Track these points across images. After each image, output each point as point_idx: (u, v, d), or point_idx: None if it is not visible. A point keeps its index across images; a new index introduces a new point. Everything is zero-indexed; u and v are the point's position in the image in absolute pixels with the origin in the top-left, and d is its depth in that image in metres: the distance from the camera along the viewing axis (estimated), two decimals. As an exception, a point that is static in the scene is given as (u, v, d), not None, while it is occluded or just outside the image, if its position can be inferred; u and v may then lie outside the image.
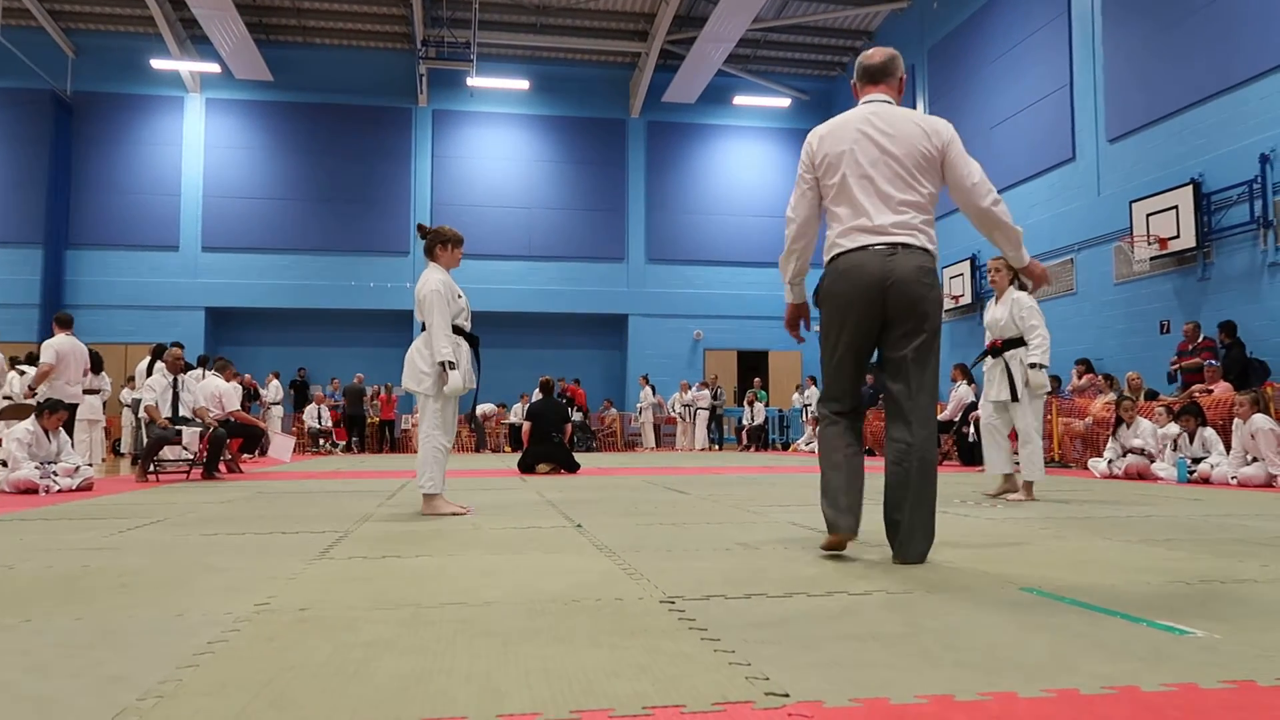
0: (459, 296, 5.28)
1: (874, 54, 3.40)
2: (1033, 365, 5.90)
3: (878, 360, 3.27)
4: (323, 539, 3.94)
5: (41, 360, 9.27)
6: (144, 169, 20.98)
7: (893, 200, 3.12)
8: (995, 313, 6.24)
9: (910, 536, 3.07)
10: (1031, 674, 1.73)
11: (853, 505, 3.13)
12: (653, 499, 6.11)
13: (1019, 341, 6.06)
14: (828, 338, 3.24)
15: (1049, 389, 6.09)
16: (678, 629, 2.13)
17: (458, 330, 5.24)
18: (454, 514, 5.01)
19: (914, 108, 18.70)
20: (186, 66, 20.33)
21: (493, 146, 22.38)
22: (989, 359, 6.33)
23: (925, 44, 18.56)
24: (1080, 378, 12.74)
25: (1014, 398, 6.07)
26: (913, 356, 3.12)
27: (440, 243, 5.41)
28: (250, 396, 15.81)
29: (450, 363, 5.04)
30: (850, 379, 3.23)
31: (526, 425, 10.74)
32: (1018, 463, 6.20)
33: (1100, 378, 12.29)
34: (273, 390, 18.16)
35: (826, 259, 3.24)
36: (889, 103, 3.33)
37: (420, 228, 5.56)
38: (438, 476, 5.08)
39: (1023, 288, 6.11)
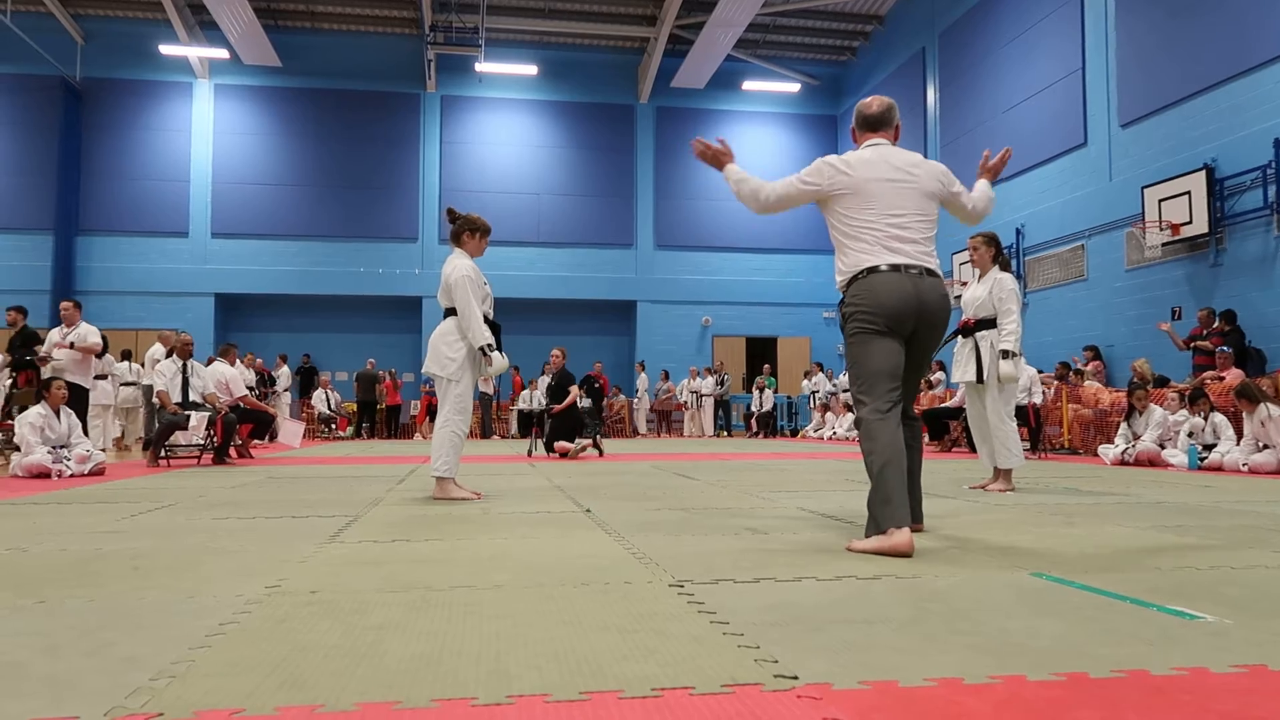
0: (484, 284, 5.28)
1: (871, 103, 3.59)
2: (1004, 353, 5.65)
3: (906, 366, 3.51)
4: (333, 523, 3.96)
5: (91, 340, 9.33)
6: (153, 155, 21.01)
7: (918, 229, 3.39)
8: (975, 291, 5.96)
9: (918, 503, 3.58)
10: (1041, 658, 1.73)
11: (911, 500, 3.33)
12: (661, 484, 6.12)
13: (992, 323, 5.82)
14: (868, 345, 3.32)
15: (1017, 378, 5.84)
16: (686, 612, 2.13)
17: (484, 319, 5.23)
18: (465, 499, 5.03)
19: (924, 93, 18.66)
20: (195, 52, 20.32)
21: (501, 132, 22.33)
22: (959, 338, 6.10)
23: (936, 28, 18.42)
24: (1088, 364, 12.71)
25: (979, 379, 5.86)
26: (918, 364, 3.49)
27: (469, 229, 5.42)
28: (264, 382, 15.87)
29: (489, 345, 5.07)
30: (896, 378, 3.33)
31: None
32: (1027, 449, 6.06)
33: (1060, 368, 12.38)
34: (283, 376, 18.23)
35: (856, 270, 3.36)
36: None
37: (450, 212, 5.55)
38: (452, 461, 5.09)
39: (1005, 268, 5.90)
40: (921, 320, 3.33)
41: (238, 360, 13.28)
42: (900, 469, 3.14)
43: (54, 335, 9.40)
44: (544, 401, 18.96)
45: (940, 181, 3.53)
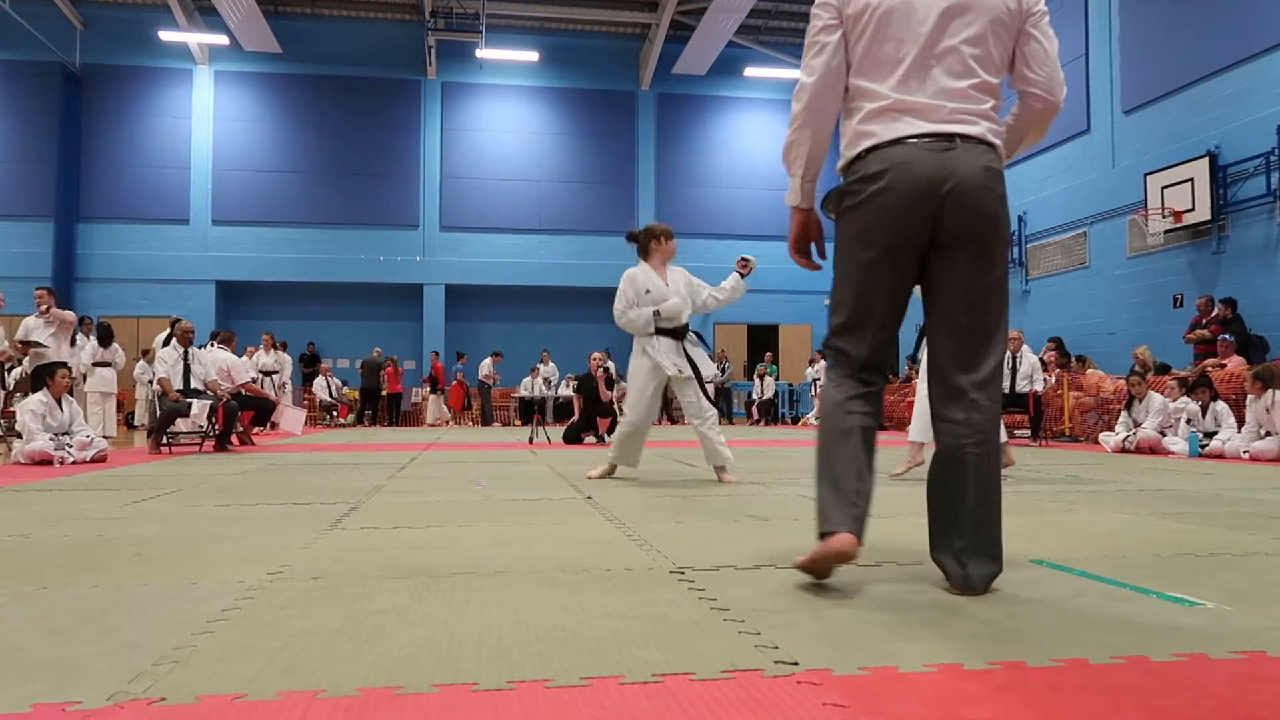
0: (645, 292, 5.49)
1: None
2: None
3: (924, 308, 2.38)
4: (335, 510, 3.97)
5: (67, 315, 9.76)
6: (153, 142, 20.97)
7: (956, 72, 2.24)
8: None
9: (976, 553, 2.18)
10: (1040, 644, 1.73)
11: (864, 494, 2.27)
12: (662, 471, 6.13)
13: None
14: (848, 266, 2.31)
15: None
16: (687, 598, 2.14)
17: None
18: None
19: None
20: (195, 38, 20.26)
21: (502, 119, 22.27)
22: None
23: (939, 14, 18.33)
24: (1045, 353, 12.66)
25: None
26: (976, 299, 2.22)
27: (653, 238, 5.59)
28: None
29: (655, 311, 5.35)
30: (879, 325, 2.32)
31: (579, 397, 11.55)
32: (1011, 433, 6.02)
33: (1070, 359, 12.35)
34: (285, 363, 18.22)
35: (849, 155, 2.32)
36: None
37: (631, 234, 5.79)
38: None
39: None
40: (948, 216, 2.18)
41: (268, 347, 13.49)
42: (845, 454, 2.27)
43: (29, 322, 9.60)
44: (545, 390, 19.08)
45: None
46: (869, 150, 2.25)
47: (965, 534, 2.18)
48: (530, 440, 11.03)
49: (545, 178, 22.28)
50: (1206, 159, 11.44)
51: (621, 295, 5.45)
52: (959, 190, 2.16)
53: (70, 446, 7.12)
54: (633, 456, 5.51)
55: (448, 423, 19.44)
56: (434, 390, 19.69)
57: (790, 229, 2.48)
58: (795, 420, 20.41)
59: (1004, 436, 5.75)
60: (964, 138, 2.20)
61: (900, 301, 2.32)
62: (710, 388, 5.49)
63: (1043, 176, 15.03)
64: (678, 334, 5.44)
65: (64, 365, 7.88)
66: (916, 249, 2.24)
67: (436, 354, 20.27)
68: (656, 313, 5.34)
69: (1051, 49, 2.33)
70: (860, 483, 2.25)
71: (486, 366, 19.86)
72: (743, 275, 5.58)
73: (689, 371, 5.35)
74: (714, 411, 5.38)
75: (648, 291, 5.41)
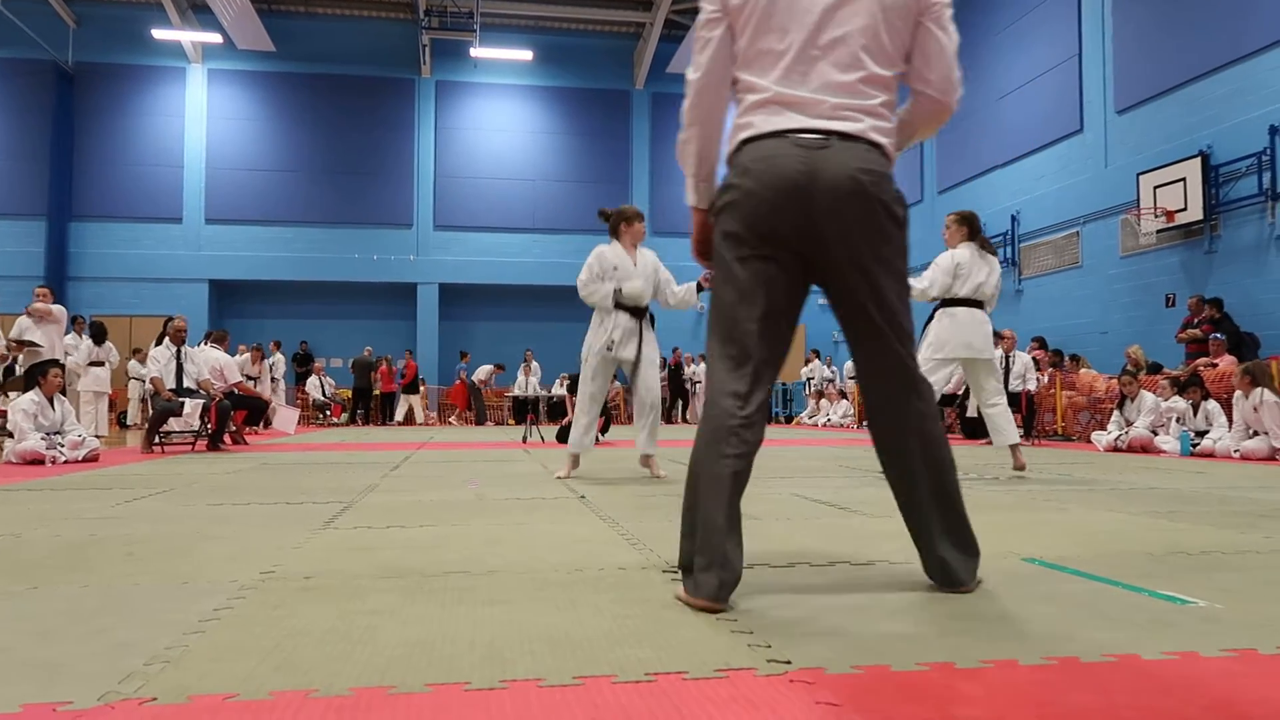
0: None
1: None
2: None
3: (839, 319, 2.19)
4: (327, 509, 3.96)
5: (56, 309, 9.76)
6: (147, 140, 20.90)
7: (843, 64, 2.09)
8: None
9: (947, 550, 2.17)
10: (1032, 642, 1.73)
11: (737, 548, 2.04)
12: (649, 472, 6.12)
13: (956, 302, 5.73)
14: (721, 271, 2.16)
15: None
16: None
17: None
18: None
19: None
20: (188, 36, 20.19)
21: (496, 118, 22.24)
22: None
23: (932, 14, 18.34)
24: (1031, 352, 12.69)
25: None
26: (872, 305, 2.09)
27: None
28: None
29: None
30: (757, 340, 2.10)
31: (572, 397, 11.27)
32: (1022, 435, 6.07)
33: (1062, 357, 12.40)
34: (277, 363, 18.20)
35: (729, 150, 2.21)
36: None
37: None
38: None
39: (986, 248, 5.81)
40: (821, 219, 2.03)
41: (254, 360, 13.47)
42: (720, 501, 2.01)
43: (22, 322, 9.60)
44: (539, 389, 19.10)
45: None
46: (744, 143, 2.13)
47: (933, 523, 2.17)
48: (524, 439, 11.03)
49: (540, 177, 22.26)
50: (1199, 159, 11.47)
51: (587, 268, 5.56)
52: (828, 192, 2.02)
53: (62, 446, 7.09)
54: (586, 436, 5.59)
55: (423, 422, 19.33)
56: (411, 389, 19.56)
57: (692, 230, 2.35)
58: (789, 419, 20.44)
59: (1015, 439, 5.78)
60: (843, 135, 2.05)
61: (779, 314, 2.11)
62: (655, 375, 5.56)
63: (1036, 176, 15.06)
64: (637, 314, 5.56)
65: (56, 364, 7.86)
66: (791, 252, 2.08)
67: (411, 352, 20.17)
68: (619, 290, 5.46)
69: (949, 45, 2.18)
70: (732, 538, 2.05)
71: (484, 373, 19.84)
72: (700, 290, 5.67)
73: (631, 356, 5.46)
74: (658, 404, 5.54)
75: (615, 268, 5.52)
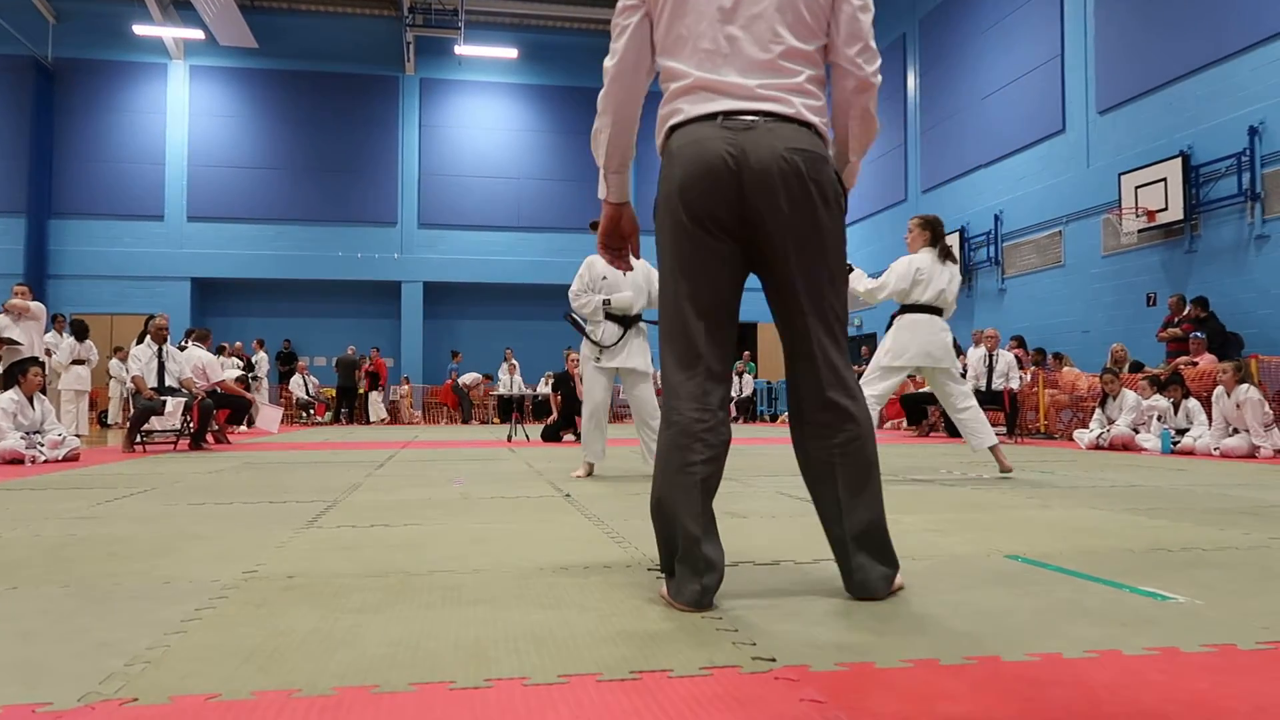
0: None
1: None
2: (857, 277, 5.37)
3: (770, 306, 2.14)
4: (311, 508, 3.94)
5: (34, 305, 9.77)
6: (128, 137, 20.73)
7: (763, 41, 2.04)
8: None
9: (862, 557, 2.06)
10: (1015, 639, 1.74)
11: (717, 549, 2.05)
12: (641, 469, 6.12)
13: (918, 309, 5.61)
14: (665, 263, 2.13)
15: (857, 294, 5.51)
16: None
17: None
18: None
19: (905, 79, 18.66)
20: (169, 33, 20.03)
21: (481, 116, 22.19)
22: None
23: (917, 14, 18.42)
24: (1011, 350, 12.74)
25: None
26: (803, 293, 2.04)
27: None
28: (247, 367, 15.73)
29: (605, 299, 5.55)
30: (708, 339, 2.07)
31: (556, 396, 11.34)
32: (1001, 433, 6.04)
33: (1034, 354, 12.45)
34: (261, 361, 18.09)
35: (659, 139, 2.21)
36: None
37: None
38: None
39: (945, 256, 5.74)
40: (750, 204, 1.99)
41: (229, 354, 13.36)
42: (693, 510, 2.01)
43: (0, 320, 9.54)
44: (524, 388, 19.06)
45: None
46: (673, 129, 2.11)
47: (848, 528, 2.07)
48: (509, 438, 11.00)
49: (524, 175, 22.22)
50: (1179, 159, 11.56)
51: (578, 279, 5.62)
52: (758, 173, 1.96)
53: (42, 445, 7.03)
54: (597, 444, 5.59)
55: (384, 421, 19.10)
56: (374, 387, 19.33)
57: (601, 222, 2.33)
58: (774, 418, 20.48)
59: (993, 440, 5.71)
60: (770, 115, 2.00)
61: (722, 304, 2.07)
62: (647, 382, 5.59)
63: (1018, 176, 15.14)
64: (625, 322, 5.59)
65: (36, 362, 7.79)
66: (731, 238, 2.03)
67: (377, 350, 20.01)
68: (607, 301, 5.51)
69: (865, 17, 2.10)
70: (709, 544, 2.04)
71: (471, 379, 19.77)
72: None
73: (618, 365, 5.52)
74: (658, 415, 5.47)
75: (604, 278, 5.55)
